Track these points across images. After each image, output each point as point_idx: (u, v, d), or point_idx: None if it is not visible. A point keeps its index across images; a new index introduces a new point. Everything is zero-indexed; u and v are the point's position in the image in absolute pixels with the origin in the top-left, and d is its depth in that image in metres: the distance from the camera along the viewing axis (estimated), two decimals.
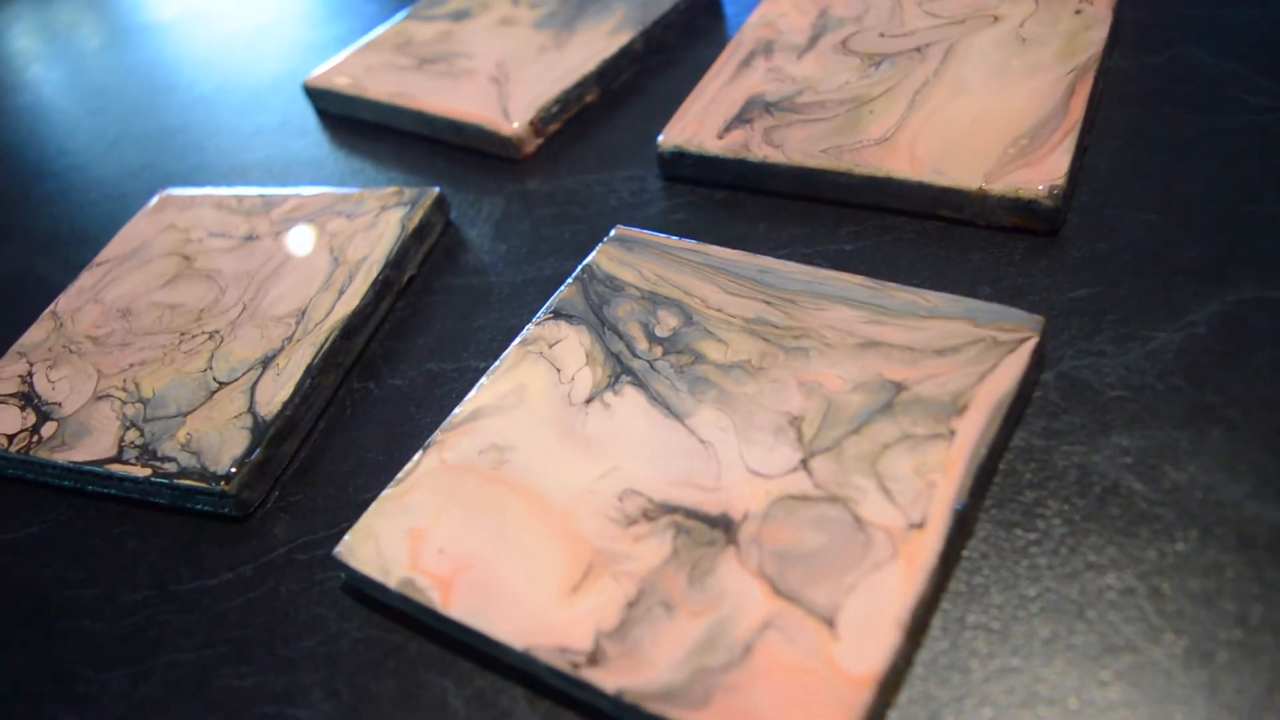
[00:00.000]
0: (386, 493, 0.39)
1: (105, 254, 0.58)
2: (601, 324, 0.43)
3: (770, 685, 0.31)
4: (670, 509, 0.36)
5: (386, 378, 0.48)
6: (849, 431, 0.37)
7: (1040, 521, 0.36)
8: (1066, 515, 0.36)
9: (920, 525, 0.33)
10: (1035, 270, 0.44)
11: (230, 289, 0.52)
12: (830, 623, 0.32)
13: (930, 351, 0.38)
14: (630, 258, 0.47)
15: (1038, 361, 0.39)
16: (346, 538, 0.38)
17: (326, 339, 0.47)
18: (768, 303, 0.42)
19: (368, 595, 0.38)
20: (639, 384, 0.40)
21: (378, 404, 0.47)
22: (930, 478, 0.35)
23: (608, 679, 0.32)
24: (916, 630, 0.32)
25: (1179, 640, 0.32)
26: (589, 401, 0.40)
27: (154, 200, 0.62)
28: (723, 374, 0.40)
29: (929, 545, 0.33)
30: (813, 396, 0.38)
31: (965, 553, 0.35)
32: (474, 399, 0.42)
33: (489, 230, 0.55)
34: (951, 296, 0.40)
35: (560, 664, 0.33)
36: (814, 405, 0.38)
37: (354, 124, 0.67)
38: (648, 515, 0.36)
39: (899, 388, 0.37)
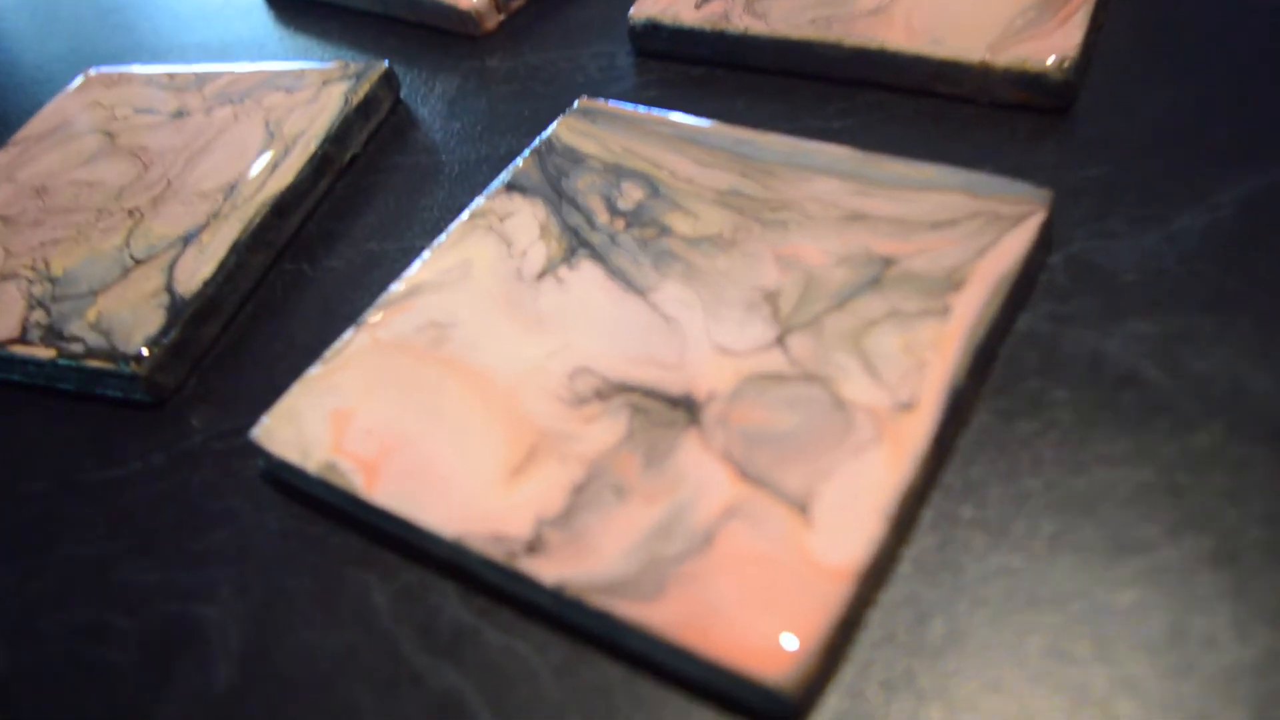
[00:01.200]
0: (312, 372, 0.36)
1: (23, 133, 0.54)
2: (559, 197, 0.40)
3: (733, 577, 0.28)
4: (626, 388, 0.33)
5: (322, 259, 0.45)
6: (831, 307, 0.34)
7: (1045, 411, 0.32)
8: (1075, 405, 0.32)
9: (909, 406, 0.30)
10: (1042, 149, 0.41)
11: (154, 166, 0.49)
12: (803, 509, 0.29)
13: (924, 225, 0.35)
14: (594, 129, 0.43)
15: (1044, 240, 0.35)
16: (265, 419, 0.35)
17: (256, 215, 0.44)
18: (744, 175, 0.39)
19: (288, 485, 0.36)
20: (597, 258, 0.38)
21: (312, 286, 0.44)
22: (921, 356, 0.32)
23: (547, 569, 0.29)
24: (903, 523, 0.29)
25: (1200, 540, 0.29)
26: (541, 276, 0.38)
27: (79, 79, 0.57)
28: (691, 248, 0.37)
29: (919, 428, 0.30)
30: (791, 271, 0.35)
31: (960, 443, 0.32)
32: (414, 274, 0.39)
33: (442, 108, 0.51)
34: (949, 168, 0.37)
35: (495, 554, 0.30)
36: (792, 280, 0.35)
37: (303, 3, 0.64)
38: (600, 395, 0.33)
39: (888, 262, 0.35)
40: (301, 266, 0.45)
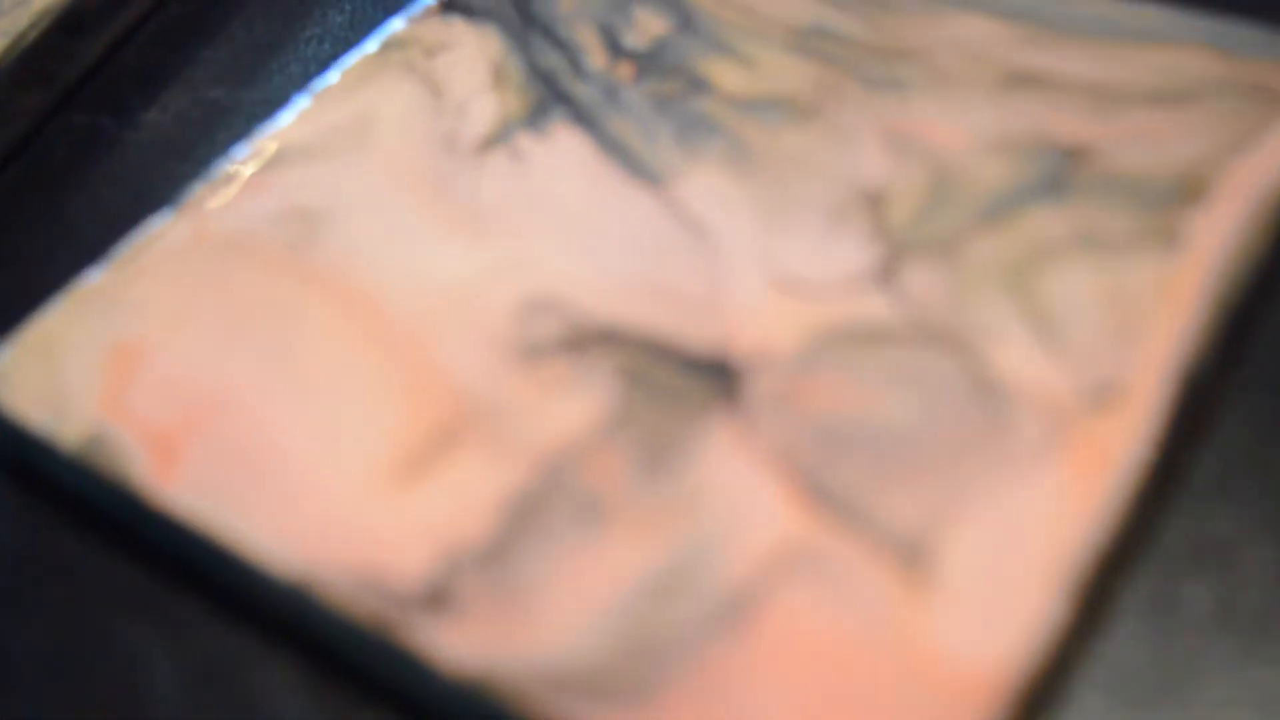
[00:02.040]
0: (92, 280, 0.34)
1: None
2: (526, 25, 0.39)
3: (785, 677, 0.24)
4: (616, 336, 0.31)
5: (138, 109, 0.43)
6: (976, 221, 0.31)
7: None
8: None
9: (1110, 397, 0.27)
10: None
11: None
12: (916, 563, 0.25)
13: (1138, 97, 0.33)
14: None
15: None
16: None
17: (30, 31, 0.43)
18: (837, 5, 0.38)
19: (30, 472, 0.33)
20: (583, 121, 0.36)
21: (116, 150, 0.42)
22: (1133, 311, 0.29)
23: (457, 644, 0.26)
24: (1095, 598, 0.26)
25: None
26: (487, 147, 0.36)
27: None
28: (742, 114, 0.35)
29: (1127, 434, 0.27)
30: (910, 158, 0.33)
31: (1198, 467, 0.29)
32: (280, 131, 0.37)
33: None
34: (1181, 12, 0.35)
35: (366, 609, 0.26)
36: (911, 174, 0.33)
37: None
38: (571, 344, 0.31)
39: (1076, 154, 0.32)
40: (101, 119, 0.43)
